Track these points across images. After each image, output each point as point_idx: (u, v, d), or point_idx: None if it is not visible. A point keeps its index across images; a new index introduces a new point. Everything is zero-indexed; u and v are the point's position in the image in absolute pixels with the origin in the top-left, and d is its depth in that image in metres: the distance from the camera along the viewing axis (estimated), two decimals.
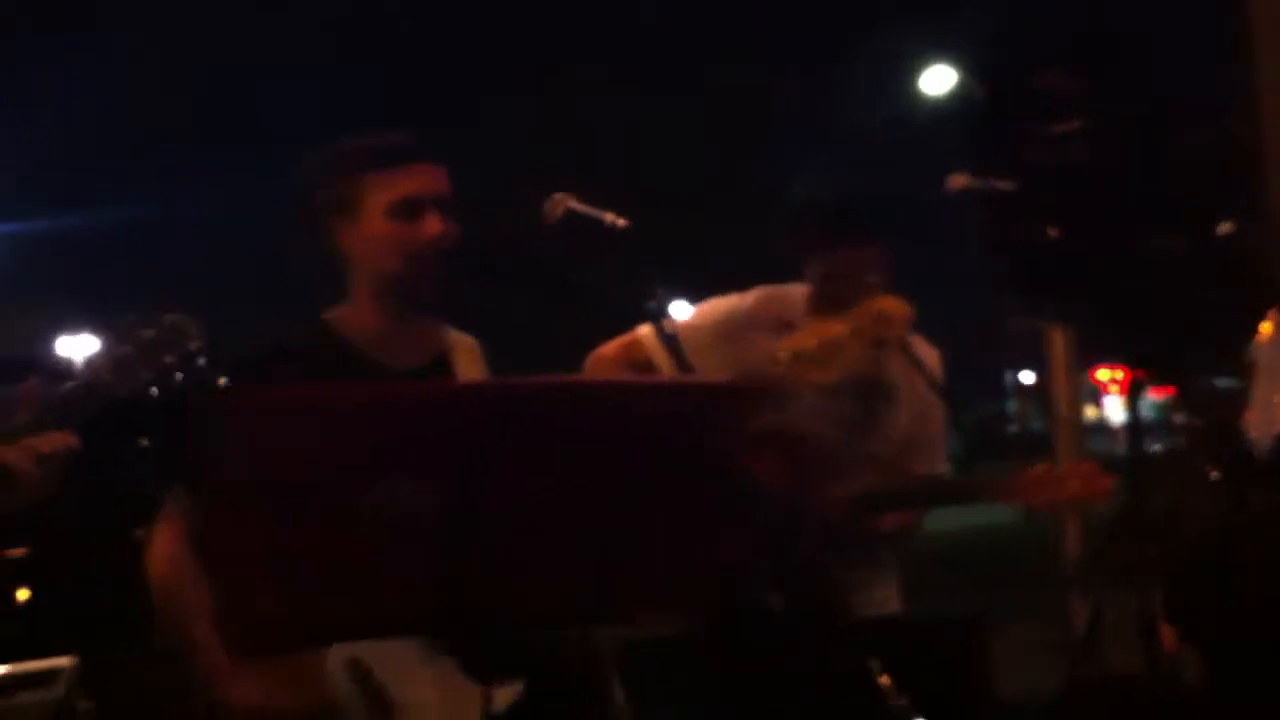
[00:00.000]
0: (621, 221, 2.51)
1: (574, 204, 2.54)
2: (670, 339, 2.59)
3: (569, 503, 1.65)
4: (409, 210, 2.55)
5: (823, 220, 3.18)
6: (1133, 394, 4.72)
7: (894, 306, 2.73)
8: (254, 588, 1.53)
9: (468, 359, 2.68)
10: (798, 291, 3.24)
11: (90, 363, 2.22)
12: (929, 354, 3.28)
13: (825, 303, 3.10)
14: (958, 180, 3.05)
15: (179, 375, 2.18)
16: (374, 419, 1.53)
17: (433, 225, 2.55)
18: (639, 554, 1.73)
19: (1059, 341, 6.63)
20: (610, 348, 3.19)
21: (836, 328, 2.69)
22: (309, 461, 1.50)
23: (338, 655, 2.32)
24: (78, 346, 31.35)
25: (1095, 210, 3.76)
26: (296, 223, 2.66)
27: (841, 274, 3.06)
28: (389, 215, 2.55)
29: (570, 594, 1.72)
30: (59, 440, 2.18)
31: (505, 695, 2.40)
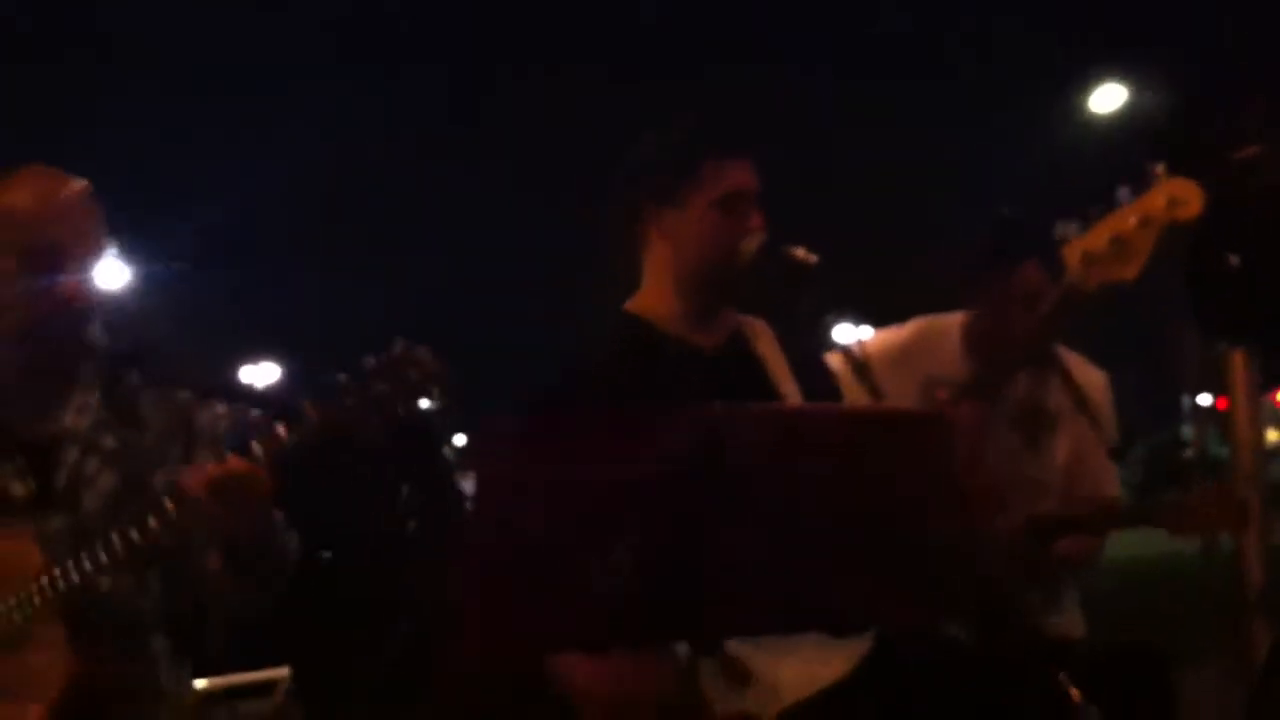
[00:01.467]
0: (813, 258, 2.62)
1: (768, 240, 2.66)
2: (862, 367, 2.67)
3: (785, 519, 1.77)
4: (735, 204, 2.66)
5: (1000, 239, 3.21)
6: None
7: (1184, 188, 2.56)
8: (498, 608, 1.67)
9: (764, 339, 2.79)
10: (951, 321, 3.29)
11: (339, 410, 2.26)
12: (1094, 377, 3.31)
13: (989, 325, 3.14)
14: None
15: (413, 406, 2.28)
16: (608, 446, 1.66)
17: (755, 221, 2.66)
18: (850, 567, 1.85)
19: (1239, 364, 6.52)
20: None
21: (1127, 219, 2.54)
22: (552, 496, 1.64)
23: None
24: (260, 374, 32.34)
25: (1277, 235, 3.74)
26: (605, 204, 2.78)
27: (1017, 293, 3.09)
28: (715, 208, 2.66)
29: (781, 604, 1.83)
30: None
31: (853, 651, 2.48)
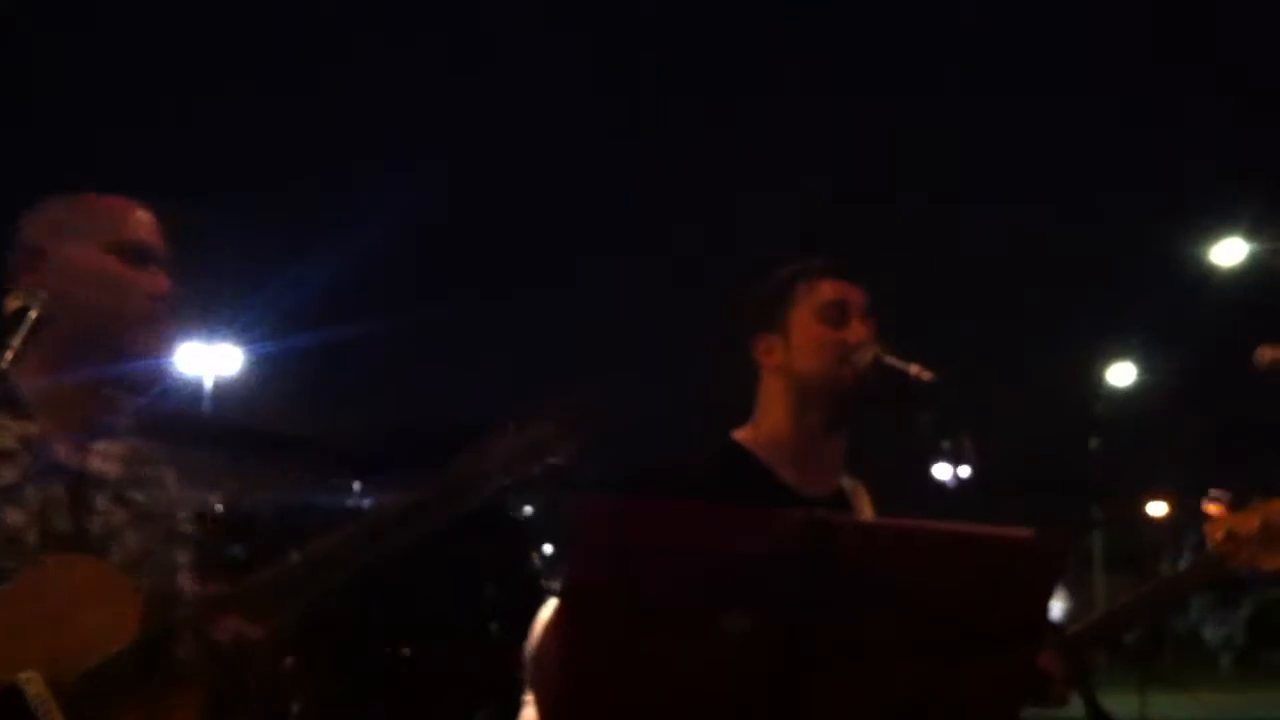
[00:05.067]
0: (927, 375, 2.56)
1: (882, 354, 2.61)
2: None
3: (886, 641, 1.73)
4: (837, 314, 2.66)
5: None
6: None
7: None
8: (591, 694, 1.62)
9: (861, 499, 2.76)
10: None
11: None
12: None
13: None
14: (1266, 353, 2.98)
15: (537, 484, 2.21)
16: (722, 542, 1.62)
17: (860, 330, 2.65)
18: (947, 689, 1.82)
19: None
20: None
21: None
22: (654, 576, 1.59)
23: None
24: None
25: None
26: (722, 340, 2.78)
27: None
28: (818, 319, 2.66)
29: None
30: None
31: None
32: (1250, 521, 2.55)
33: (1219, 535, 2.57)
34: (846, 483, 2.77)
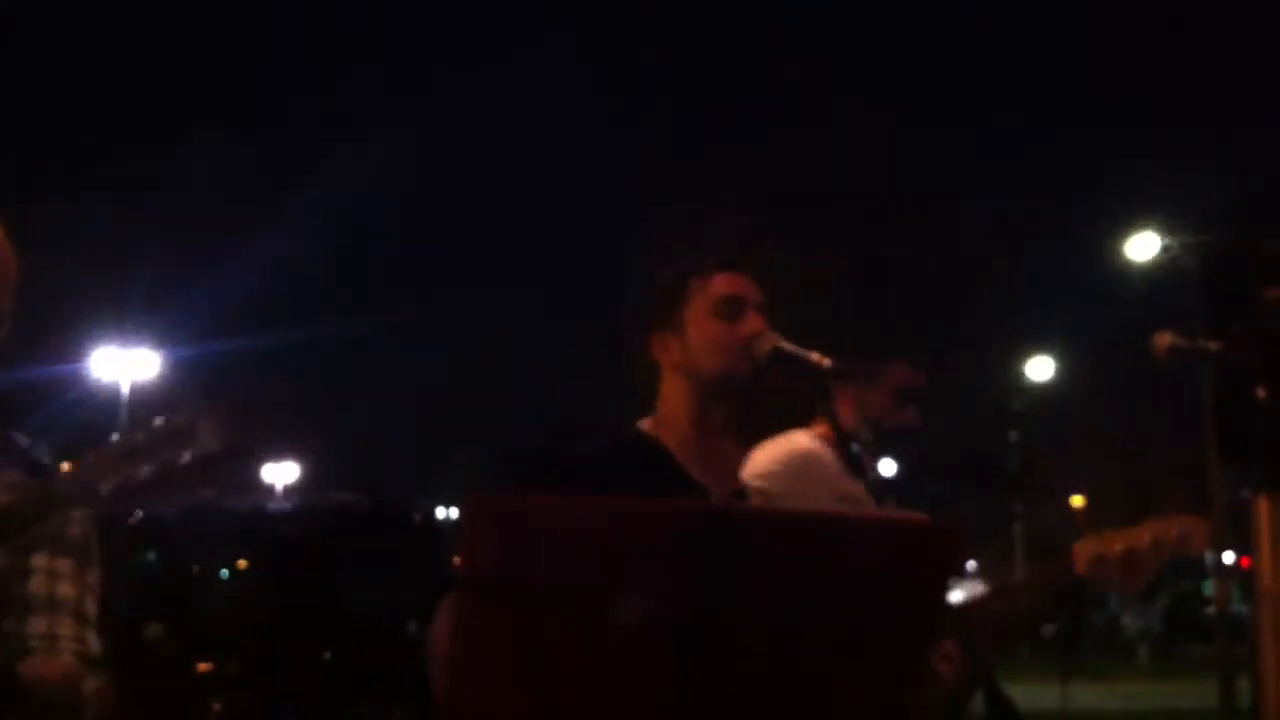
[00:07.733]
0: (826, 361, 2.55)
1: (781, 342, 2.60)
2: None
3: (794, 622, 1.73)
4: (732, 309, 2.64)
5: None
6: None
7: (1195, 525, 2.71)
8: (499, 685, 1.59)
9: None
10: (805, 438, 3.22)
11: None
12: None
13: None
14: (1163, 339, 3.01)
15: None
16: (619, 532, 1.60)
17: (755, 323, 2.63)
18: (848, 673, 1.81)
19: (1265, 510, 6.38)
20: None
21: (1142, 538, 2.68)
22: (550, 569, 1.57)
23: None
24: (281, 473, 32.41)
25: None
26: (616, 334, 2.75)
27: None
28: (713, 314, 2.64)
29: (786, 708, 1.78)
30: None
31: None
32: (1113, 546, 2.67)
33: (1085, 557, 2.67)
34: (748, 484, 2.78)
